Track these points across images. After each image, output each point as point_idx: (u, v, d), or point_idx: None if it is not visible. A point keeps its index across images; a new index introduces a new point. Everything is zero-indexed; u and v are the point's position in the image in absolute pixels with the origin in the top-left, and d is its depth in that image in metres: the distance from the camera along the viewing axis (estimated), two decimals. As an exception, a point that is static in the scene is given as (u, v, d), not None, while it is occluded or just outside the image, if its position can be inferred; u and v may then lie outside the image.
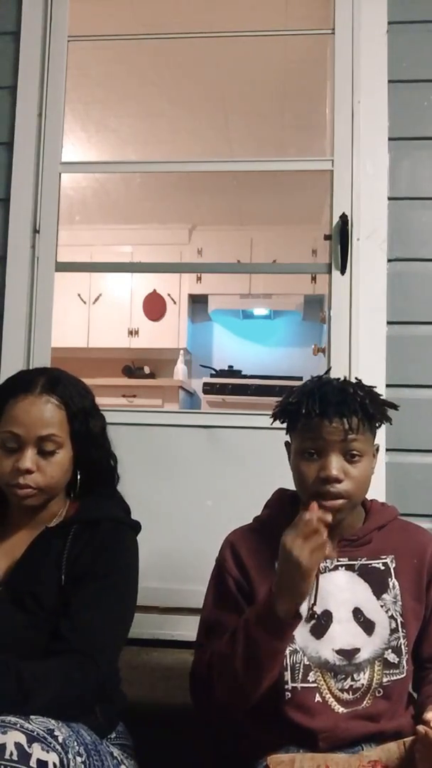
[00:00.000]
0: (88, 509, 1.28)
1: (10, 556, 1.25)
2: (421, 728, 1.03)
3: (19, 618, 1.17)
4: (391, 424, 1.27)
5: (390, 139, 2.02)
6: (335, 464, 1.18)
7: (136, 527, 1.31)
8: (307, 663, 1.19)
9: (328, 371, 1.33)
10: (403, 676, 1.22)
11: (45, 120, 2.17)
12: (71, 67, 2.21)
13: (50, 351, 2.11)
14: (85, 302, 5.58)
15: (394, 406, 1.26)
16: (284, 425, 1.29)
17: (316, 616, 1.20)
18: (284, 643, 1.13)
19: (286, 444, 1.30)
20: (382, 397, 1.26)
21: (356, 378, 1.29)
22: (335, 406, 1.18)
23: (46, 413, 1.23)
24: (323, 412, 1.18)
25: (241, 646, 1.13)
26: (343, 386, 1.23)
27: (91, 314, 5.60)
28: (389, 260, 1.99)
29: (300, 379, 5.21)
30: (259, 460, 2.00)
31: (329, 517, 1.11)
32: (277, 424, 1.30)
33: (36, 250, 2.13)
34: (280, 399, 1.30)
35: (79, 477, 1.29)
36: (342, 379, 1.27)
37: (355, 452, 1.19)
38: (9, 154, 2.15)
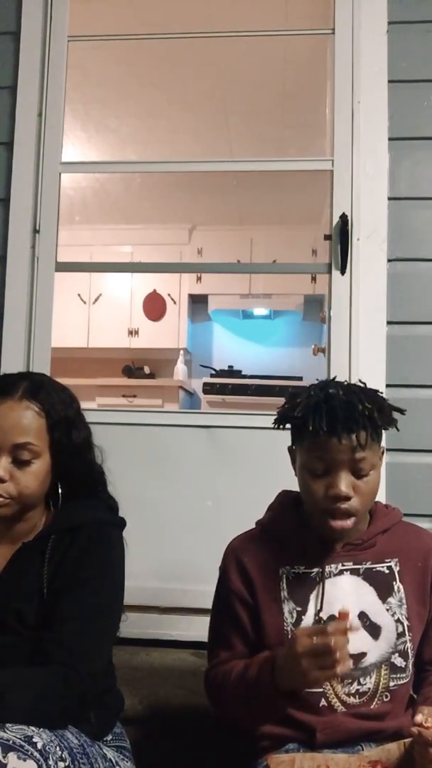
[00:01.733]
0: (63, 518, 1.23)
1: None
2: (414, 729, 1.03)
3: (2, 641, 1.14)
4: (398, 430, 1.24)
5: (390, 139, 2.02)
6: (344, 482, 1.16)
7: (120, 523, 1.27)
8: None
9: (333, 379, 1.28)
10: (408, 680, 1.22)
11: (45, 120, 2.17)
12: (71, 67, 2.21)
13: (50, 351, 2.11)
14: (85, 302, 5.57)
15: (401, 411, 1.23)
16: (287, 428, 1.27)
17: (322, 621, 1.20)
18: (289, 702, 1.11)
19: (290, 449, 1.27)
20: (388, 402, 1.23)
21: (360, 381, 1.25)
22: (343, 423, 1.14)
23: (23, 420, 1.18)
24: (331, 430, 1.14)
25: (245, 694, 1.13)
26: (350, 399, 1.17)
27: (91, 314, 5.60)
28: (389, 260, 1.99)
29: (300, 379, 5.22)
30: (259, 460, 2.01)
31: (347, 625, 1.03)
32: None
33: (36, 250, 2.13)
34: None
35: (60, 489, 1.24)
36: (346, 384, 1.23)
37: (363, 468, 1.17)
38: (9, 154, 2.15)
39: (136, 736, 1.35)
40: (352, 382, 1.26)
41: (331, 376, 1.96)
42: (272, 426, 1.28)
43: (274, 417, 1.26)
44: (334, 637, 1.00)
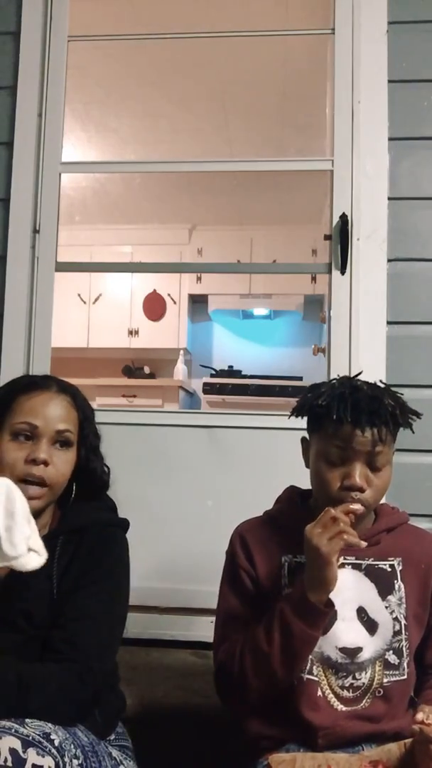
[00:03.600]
0: (72, 517, 1.25)
1: None
2: (415, 727, 1.04)
3: (9, 639, 1.15)
4: (413, 432, 1.25)
5: (390, 139, 2.02)
6: (360, 473, 1.18)
7: (124, 525, 1.30)
8: (311, 657, 1.19)
9: (359, 374, 1.29)
10: (404, 678, 1.22)
11: (45, 120, 2.17)
12: (71, 67, 2.21)
13: (50, 351, 2.11)
14: (85, 302, 5.58)
15: (418, 415, 1.25)
16: (297, 419, 1.28)
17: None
18: (318, 631, 1.15)
19: (303, 440, 1.29)
20: (407, 404, 1.24)
21: (381, 381, 1.27)
22: (368, 416, 1.16)
23: (64, 410, 1.23)
24: (355, 421, 1.16)
25: (278, 636, 1.14)
26: (375, 394, 1.20)
27: (91, 314, 5.60)
28: (389, 260, 1.99)
29: (300, 379, 5.22)
30: (259, 460, 2.01)
31: (357, 508, 1.14)
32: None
33: (36, 250, 2.13)
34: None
35: (75, 487, 1.27)
36: (372, 383, 1.24)
37: (379, 461, 1.19)
38: (9, 154, 2.14)
39: (137, 735, 1.35)
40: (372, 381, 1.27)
41: (332, 376, 1.98)
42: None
43: (294, 409, 1.28)
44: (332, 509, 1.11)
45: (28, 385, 1.25)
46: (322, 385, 1.25)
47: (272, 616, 1.16)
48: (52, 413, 1.22)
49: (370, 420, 1.16)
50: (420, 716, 1.05)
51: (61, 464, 1.21)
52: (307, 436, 1.29)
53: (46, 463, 1.18)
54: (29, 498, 1.16)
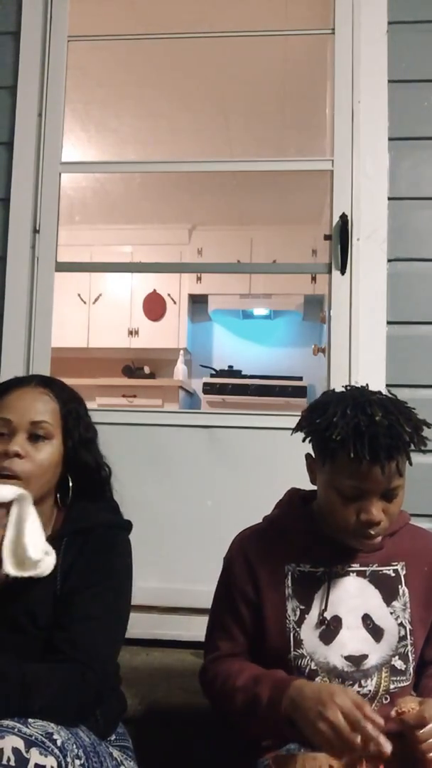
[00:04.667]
0: (76, 518, 1.25)
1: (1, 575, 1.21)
2: (397, 719, 1.05)
3: (12, 639, 1.15)
4: (425, 446, 1.17)
5: (390, 139, 2.02)
6: (377, 508, 1.14)
7: (128, 526, 1.29)
8: (314, 668, 1.19)
9: (364, 389, 1.20)
10: (409, 683, 1.22)
11: (45, 120, 2.17)
12: (71, 67, 2.21)
13: (50, 351, 2.11)
14: (85, 302, 5.57)
15: (429, 425, 1.17)
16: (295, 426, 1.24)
17: (325, 622, 1.20)
18: (293, 731, 1.07)
19: (308, 457, 1.24)
20: (417, 417, 1.18)
21: (391, 392, 1.21)
22: (386, 451, 1.09)
23: (38, 402, 1.23)
24: (374, 457, 1.09)
25: (251, 709, 1.12)
26: (391, 422, 1.11)
27: (91, 314, 5.59)
28: (389, 260, 1.99)
29: (300, 379, 5.22)
30: (259, 460, 2.01)
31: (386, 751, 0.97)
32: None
33: (36, 250, 2.13)
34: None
35: (70, 484, 1.26)
36: (380, 400, 1.15)
37: (396, 492, 1.15)
38: (9, 154, 2.15)
39: (137, 735, 1.35)
40: (370, 387, 1.23)
41: (332, 376, 1.99)
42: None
43: (297, 427, 1.21)
44: (370, 723, 0.95)
45: (9, 384, 1.26)
46: (329, 406, 1.16)
47: (246, 689, 1.13)
48: (26, 406, 1.21)
49: (388, 455, 1.09)
50: (395, 711, 1.06)
51: (37, 455, 1.19)
52: (312, 453, 1.23)
53: (19, 456, 1.17)
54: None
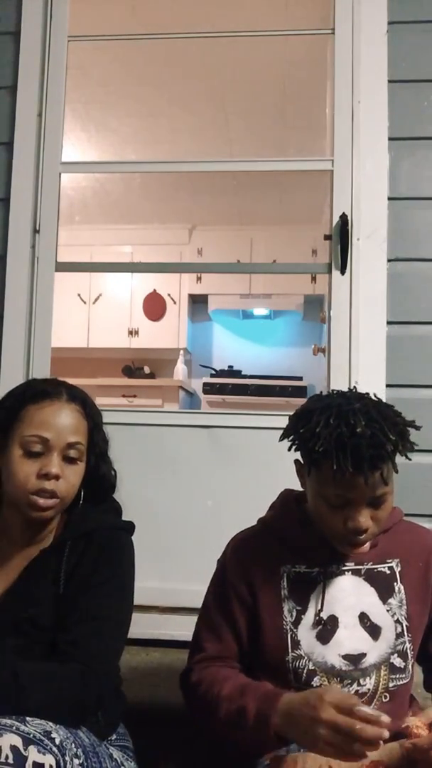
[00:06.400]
0: (78, 522, 1.25)
1: (4, 579, 1.22)
2: (407, 744, 1.03)
3: (14, 642, 1.15)
4: (412, 450, 1.16)
5: (390, 139, 2.02)
6: (364, 516, 1.14)
7: (130, 528, 1.30)
8: (312, 668, 1.19)
9: (348, 394, 1.18)
10: (408, 680, 1.22)
11: (45, 120, 2.17)
12: (71, 67, 2.21)
13: (50, 351, 2.11)
14: (85, 302, 5.57)
15: (416, 427, 1.16)
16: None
17: (322, 621, 1.20)
18: (280, 744, 1.07)
19: (297, 462, 1.23)
20: (403, 420, 1.16)
21: (375, 396, 1.19)
22: (369, 461, 1.08)
23: (74, 420, 1.22)
24: (357, 468, 1.08)
25: (235, 721, 1.10)
26: (374, 432, 1.09)
27: (91, 314, 5.60)
28: (389, 260, 1.99)
29: (300, 379, 5.22)
30: (259, 460, 2.01)
31: (385, 734, 0.94)
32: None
33: (36, 250, 2.13)
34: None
35: (82, 493, 1.26)
36: (363, 407, 1.12)
37: (382, 498, 1.15)
38: (9, 154, 2.15)
39: (137, 735, 1.35)
40: (355, 387, 1.23)
41: (332, 376, 1.99)
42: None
43: (284, 435, 1.20)
44: (365, 725, 0.93)
45: (38, 394, 1.23)
46: (313, 414, 1.14)
47: (231, 700, 1.12)
48: (63, 424, 1.20)
49: (372, 465, 1.08)
50: (409, 729, 1.05)
51: (72, 476, 1.21)
52: (300, 459, 1.22)
53: (57, 477, 1.18)
54: (40, 509, 1.17)
